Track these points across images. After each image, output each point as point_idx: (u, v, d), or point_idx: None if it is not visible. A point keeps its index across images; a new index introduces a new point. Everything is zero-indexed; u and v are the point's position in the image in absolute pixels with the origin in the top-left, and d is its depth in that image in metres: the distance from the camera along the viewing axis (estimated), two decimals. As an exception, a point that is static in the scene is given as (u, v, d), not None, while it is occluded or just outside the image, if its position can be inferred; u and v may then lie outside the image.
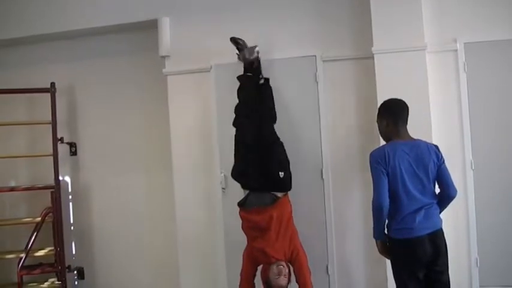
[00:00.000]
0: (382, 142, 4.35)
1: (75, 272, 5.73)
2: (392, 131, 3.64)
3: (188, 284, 5.12)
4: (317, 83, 4.81)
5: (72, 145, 5.77)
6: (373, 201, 3.58)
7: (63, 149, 5.65)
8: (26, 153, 5.73)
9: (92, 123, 5.74)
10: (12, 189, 5.65)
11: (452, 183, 3.67)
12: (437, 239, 3.55)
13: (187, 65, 5.06)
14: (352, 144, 4.75)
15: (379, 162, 3.53)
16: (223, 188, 4.93)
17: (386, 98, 4.15)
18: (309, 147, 4.79)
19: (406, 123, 3.71)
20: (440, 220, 3.67)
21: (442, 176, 3.64)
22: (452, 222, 4.50)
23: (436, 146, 3.72)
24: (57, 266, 5.40)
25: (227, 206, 4.92)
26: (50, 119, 5.44)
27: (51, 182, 5.44)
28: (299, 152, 4.73)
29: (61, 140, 5.56)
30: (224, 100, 4.94)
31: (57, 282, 5.44)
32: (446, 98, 4.54)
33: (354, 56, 4.72)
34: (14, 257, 5.34)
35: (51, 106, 5.44)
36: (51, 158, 5.43)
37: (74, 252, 5.78)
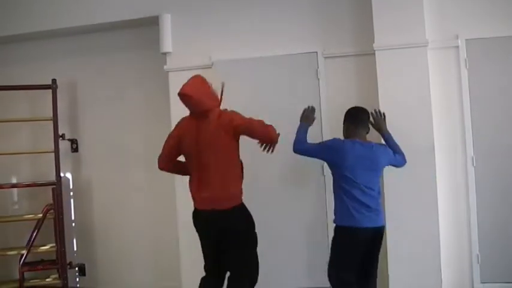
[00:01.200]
0: (380, 140, 4.38)
1: (77, 268, 5.73)
2: (353, 132, 3.99)
3: (189, 280, 5.12)
4: (318, 79, 4.81)
5: (74, 142, 5.78)
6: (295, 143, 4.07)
7: (64, 146, 5.66)
8: (28, 150, 5.74)
9: (94, 119, 5.74)
10: (13, 185, 5.67)
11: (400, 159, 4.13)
12: (378, 234, 3.91)
13: (189, 62, 5.06)
14: (354, 141, 4.74)
15: (332, 148, 3.93)
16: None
17: (387, 95, 4.20)
18: (310, 144, 4.79)
19: (367, 128, 4.07)
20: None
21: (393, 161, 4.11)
22: (454, 218, 4.51)
23: (385, 145, 4.11)
24: (59, 262, 5.41)
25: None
26: (52, 115, 5.45)
27: (53, 178, 5.45)
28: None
29: (62, 136, 5.57)
30: (225, 96, 4.93)
31: (58, 278, 5.45)
32: (447, 94, 4.54)
33: (355, 52, 4.73)
34: (16, 254, 5.36)
35: (53, 103, 5.45)
36: (53, 154, 5.44)
37: (75, 248, 5.79)
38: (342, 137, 4.09)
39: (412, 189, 4.39)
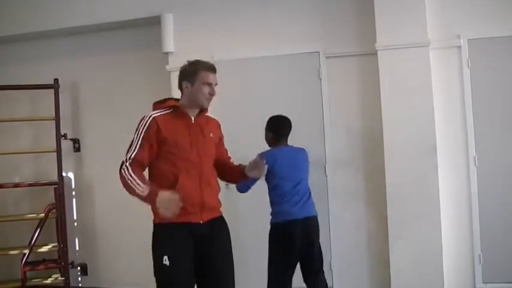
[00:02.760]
0: (386, 139, 4.38)
1: (79, 268, 5.73)
2: (276, 141, 4.12)
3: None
4: (320, 79, 4.81)
5: (76, 141, 5.78)
6: None
7: (66, 145, 5.66)
8: (30, 150, 5.75)
9: (95, 119, 5.74)
10: (15, 185, 5.67)
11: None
12: (311, 224, 4.05)
13: (191, 62, 5.05)
14: (356, 141, 4.75)
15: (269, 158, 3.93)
16: (226, 185, 4.92)
17: (389, 94, 4.21)
18: (312, 144, 4.77)
19: (287, 134, 4.15)
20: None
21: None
22: (456, 218, 4.51)
23: (303, 149, 4.21)
24: (61, 262, 5.41)
25: (230, 203, 4.92)
26: (54, 115, 5.45)
27: (55, 178, 5.45)
28: (302, 149, 4.74)
29: (64, 136, 5.57)
30: (227, 96, 4.94)
31: (60, 278, 5.46)
32: (449, 94, 4.53)
33: (357, 52, 4.73)
34: (18, 253, 5.35)
35: (55, 102, 5.46)
36: (55, 154, 5.44)
37: (77, 248, 5.79)
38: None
39: (414, 189, 4.39)
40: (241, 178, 3.36)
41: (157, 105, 3.26)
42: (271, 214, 4.02)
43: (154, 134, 3.04)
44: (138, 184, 2.94)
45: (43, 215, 5.38)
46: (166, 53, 5.18)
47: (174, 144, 3.04)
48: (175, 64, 5.12)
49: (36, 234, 5.32)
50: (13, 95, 5.67)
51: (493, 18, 4.47)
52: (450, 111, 4.53)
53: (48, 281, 5.52)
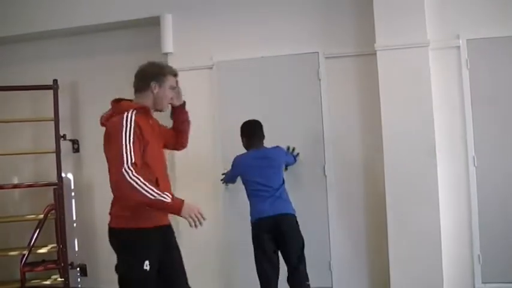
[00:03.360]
0: (385, 139, 4.39)
1: (78, 268, 5.72)
2: (248, 144, 4.40)
3: (189, 280, 5.12)
4: (319, 79, 4.81)
5: (75, 142, 5.78)
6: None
7: (65, 146, 5.66)
8: (29, 150, 5.74)
9: (95, 120, 5.61)
10: (15, 186, 5.66)
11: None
12: (283, 221, 4.21)
13: (190, 62, 5.06)
14: (355, 141, 4.76)
15: (234, 166, 4.48)
16: (226, 185, 4.93)
17: (388, 95, 4.22)
18: (312, 144, 4.80)
19: (259, 136, 4.39)
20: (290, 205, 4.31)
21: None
22: (455, 219, 4.51)
23: (276, 147, 4.44)
24: (60, 262, 5.41)
25: (229, 203, 4.94)
26: (53, 116, 5.45)
27: (54, 179, 5.45)
28: (302, 149, 4.74)
29: (64, 137, 5.56)
30: (227, 97, 4.95)
31: (59, 279, 5.45)
32: (448, 94, 4.53)
33: (356, 52, 4.73)
34: (17, 254, 5.34)
35: (54, 103, 5.45)
36: (54, 155, 5.44)
37: (76, 249, 5.78)
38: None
39: (413, 190, 4.39)
40: (180, 124, 3.48)
41: (121, 104, 3.11)
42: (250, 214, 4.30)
43: (139, 135, 2.91)
44: (157, 192, 2.79)
45: (42, 215, 5.38)
46: (166, 54, 5.18)
47: (151, 147, 2.97)
48: (175, 65, 5.10)
49: (36, 235, 5.31)
50: (12, 95, 5.66)
51: (492, 19, 4.47)
52: (449, 111, 4.53)
53: (48, 281, 5.50)
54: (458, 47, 4.51)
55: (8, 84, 5.52)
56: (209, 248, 5.07)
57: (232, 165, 4.50)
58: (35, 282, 5.48)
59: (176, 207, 2.82)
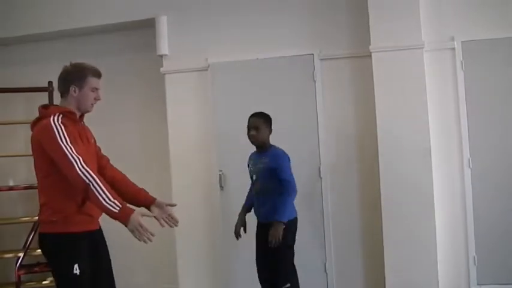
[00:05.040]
0: (380, 141, 4.38)
1: (74, 270, 5.71)
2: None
3: (186, 281, 5.13)
4: (314, 81, 4.81)
5: (70, 144, 5.76)
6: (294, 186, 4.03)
7: (61, 148, 5.64)
8: (25, 152, 5.69)
9: (89, 122, 5.69)
10: (10, 188, 5.64)
11: None
12: (264, 230, 3.97)
13: (185, 64, 5.07)
14: (350, 143, 4.76)
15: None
16: (221, 186, 4.93)
17: (383, 96, 4.21)
18: (307, 146, 4.79)
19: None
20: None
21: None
22: (450, 220, 4.52)
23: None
24: (55, 265, 5.39)
25: (225, 205, 4.93)
26: (48, 118, 5.43)
27: (49, 181, 5.42)
28: (297, 151, 4.72)
29: (59, 139, 5.54)
30: (222, 99, 4.95)
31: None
32: (443, 96, 4.54)
33: (351, 54, 4.73)
34: (12, 256, 5.33)
35: (49, 105, 5.43)
36: (49, 157, 5.42)
37: (72, 251, 5.76)
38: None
39: (408, 191, 4.39)
40: (137, 203, 3.27)
41: (47, 109, 3.15)
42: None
43: (69, 136, 2.90)
44: (112, 200, 2.84)
45: (37, 218, 5.36)
46: (161, 56, 5.17)
47: (80, 148, 2.92)
48: (170, 67, 5.16)
49: (31, 237, 5.30)
50: (8, 97, 5.65)
51: (487, 21, 4.48)
52: (444, 113, 4.54)
53: (43, 284, 5.48)
54: (453, 49, 4.52)
55: (4, 85, 5.50)
56: (207, 248, 5.07)
57: (288, 159, 4.13)
58: (30, 284, 5.46)
59: (123, 218, 2.84)
